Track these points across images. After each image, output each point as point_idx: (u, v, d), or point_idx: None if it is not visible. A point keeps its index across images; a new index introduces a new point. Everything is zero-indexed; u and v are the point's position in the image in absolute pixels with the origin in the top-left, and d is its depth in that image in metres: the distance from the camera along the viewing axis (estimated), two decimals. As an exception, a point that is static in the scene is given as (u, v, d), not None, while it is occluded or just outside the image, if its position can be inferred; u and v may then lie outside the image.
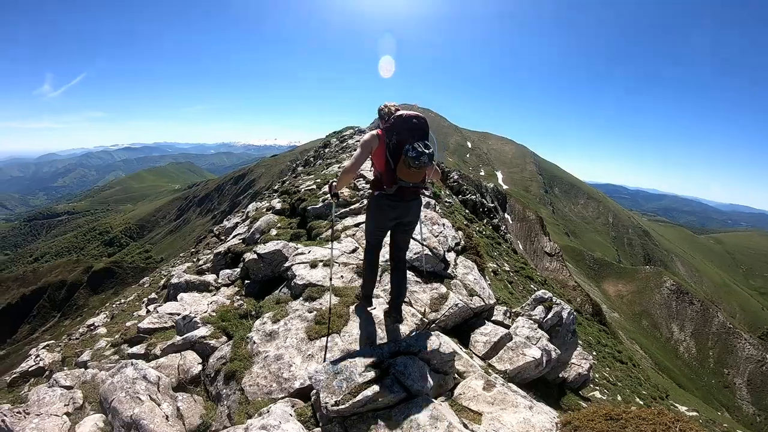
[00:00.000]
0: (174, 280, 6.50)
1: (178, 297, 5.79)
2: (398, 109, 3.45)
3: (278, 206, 8.95)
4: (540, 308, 5.30)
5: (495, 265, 14.41)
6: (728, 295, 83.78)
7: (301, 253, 5.35)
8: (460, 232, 6.50)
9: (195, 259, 13.20)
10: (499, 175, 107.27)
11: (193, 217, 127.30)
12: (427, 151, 3.20)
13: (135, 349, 4.93)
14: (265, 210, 9.47)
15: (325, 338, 3.73)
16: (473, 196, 26.99)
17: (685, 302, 60.20)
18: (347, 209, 7.48)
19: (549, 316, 5.27)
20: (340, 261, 5.12)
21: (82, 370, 5.01)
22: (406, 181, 3.32)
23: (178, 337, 4.47)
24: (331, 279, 4.46)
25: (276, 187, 21.30)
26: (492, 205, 32.40)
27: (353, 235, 6.18)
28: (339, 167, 12.42)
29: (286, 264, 5.17)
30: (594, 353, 14.63)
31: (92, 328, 10.51)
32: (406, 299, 4.21)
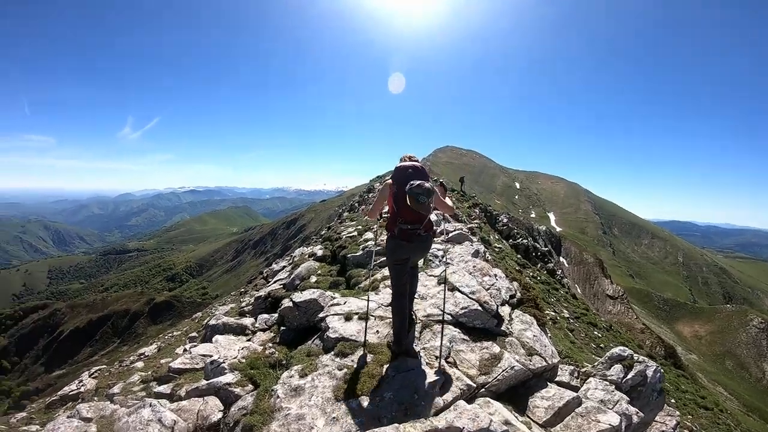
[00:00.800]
0: (212, 322, 6.39)
1: (213, 339, 5.68)
2: (413, 159, 4.11)
3: (320, 253, 8.89)
4: (617, 367, 4.41)
5: (553, 313, 13.18)
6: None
7: (337, 304, 5.04)
8: (515, 283, 5.93)
9: (240, 300, 13.25)
10: (552, 216, 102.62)
11: (248, 258, 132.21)
12: (424, 184, 3.65)
13: (162, 388, 4.90)
14: (307, 256, 9.38)
15: (352, 400, 3.33)
16: (525, 240, 25.70)
17: None
18: (383, 259, 7.06)
19: (630, 376, 4.39)
20: (376, 314, 4.72)
21: (107, 402, 5.01)
22: (404, 222, 3.80)
23: (204, 382, 4.31)
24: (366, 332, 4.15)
25: (322, 233, 21.72)
26: (546, 249, 30.37)
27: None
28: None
29: (321, 314, 4.91)
30: (673, 401, 12.81)
31: (142, 356, 10.83)
32: (450, 360, 3.92)
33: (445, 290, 4.41)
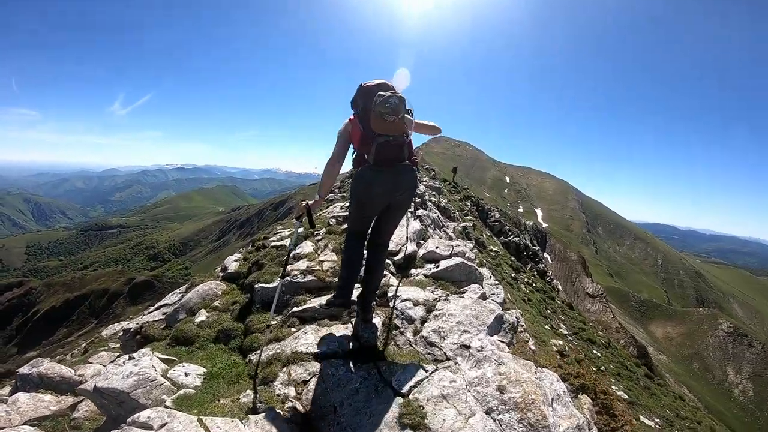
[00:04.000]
0: (24, 370, 3.92)
1: (10, 399, 3.41)
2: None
3: (233, 267, 5.70)
4: None
5: (559, 342, 11.40)
6: (798, 337, 75.74)
7: (145, 427, 2.12)
8: (585, 406, 2.85)
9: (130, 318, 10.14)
10: (539, 212, 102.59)
11: (233, 239, 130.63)
12: (394, 94, 2.82)
13: None
14: (219, 271, 6.15)
15: None
16: (516, 238, 23.54)
17: (743, 345, 55.91)
18: (314, 302, 3.75)
19: None
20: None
21: None
22: (384, 134, 2.85)
23: None
24: None
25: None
26: (536, 247, 27.88)
27: (304, 378, 2.78)
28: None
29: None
30: (675, 432, 12.00)
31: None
32: None
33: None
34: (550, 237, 63.71)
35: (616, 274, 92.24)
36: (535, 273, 21.43)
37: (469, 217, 18.21)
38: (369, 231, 3.27)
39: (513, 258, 19.55)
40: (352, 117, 3.07)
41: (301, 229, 3.31)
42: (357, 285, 3.47)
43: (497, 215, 26.87)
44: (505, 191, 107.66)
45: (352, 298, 3.29)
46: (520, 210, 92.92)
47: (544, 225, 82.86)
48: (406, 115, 2.95)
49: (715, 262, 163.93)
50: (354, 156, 3.09)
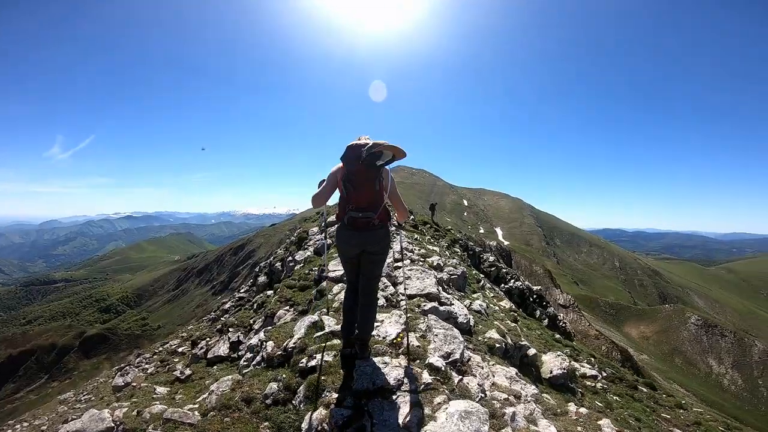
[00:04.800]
0: None
1: None
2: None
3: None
4: None
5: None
6: (758, 321, 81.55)
7: None
8: None
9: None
10: (499, 231, 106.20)
11: (192, 287, 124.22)
12: (368, 143, 3.39)
13: None
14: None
15: None
16: (518, 282, 19.70)
17: (716, 335, 57.94)
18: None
19: None
20: None
21: None
22: (356, 209, 3.48)
23: None
24: None
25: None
26: (538, 288, 22.15)
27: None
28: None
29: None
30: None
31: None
32: None
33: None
34: (515, 254, 65.13)
35: (581, 282, 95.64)
36: (545, 319, 17.22)
37: (477, 296, 9.59)
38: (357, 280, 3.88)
39: (513, 305, 13.95)
40: (341, 163, 3.59)
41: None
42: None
43: (491, 258, 23.16)
44: (465, 214, 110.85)
45: (349, 337, 3.91)
46: (482, 231, 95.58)
47: (506, 243, 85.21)
48: (384, 166, 3.49)
49: (666, 259, 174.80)
50: (338, 207, 3.73)
